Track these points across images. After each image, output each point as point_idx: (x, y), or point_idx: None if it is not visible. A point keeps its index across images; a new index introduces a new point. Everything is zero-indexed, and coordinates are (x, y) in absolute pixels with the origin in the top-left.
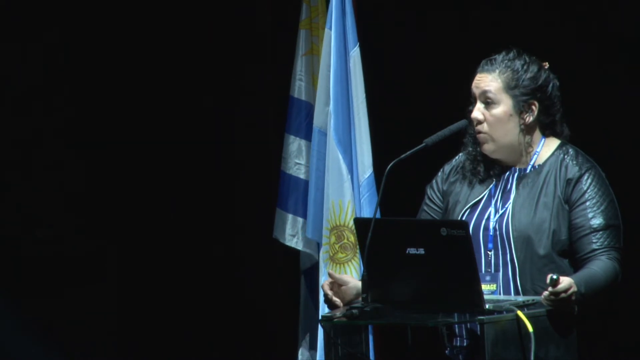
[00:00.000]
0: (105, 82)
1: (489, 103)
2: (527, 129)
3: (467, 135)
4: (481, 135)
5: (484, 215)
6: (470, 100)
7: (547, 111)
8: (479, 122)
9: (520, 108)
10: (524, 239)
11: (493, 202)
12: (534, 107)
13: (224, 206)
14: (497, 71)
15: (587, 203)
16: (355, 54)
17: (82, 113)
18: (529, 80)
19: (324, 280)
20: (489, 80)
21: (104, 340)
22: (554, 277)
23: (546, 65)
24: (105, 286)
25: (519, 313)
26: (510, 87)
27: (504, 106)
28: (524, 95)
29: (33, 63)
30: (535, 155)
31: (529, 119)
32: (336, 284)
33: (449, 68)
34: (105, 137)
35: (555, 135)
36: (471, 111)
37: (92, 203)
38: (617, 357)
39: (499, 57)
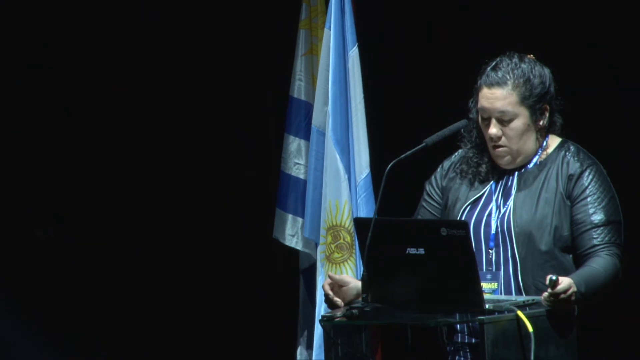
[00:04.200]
0: (105, 82)
1: (506, 120)
2: (541, 132)
3: (465, 140)
4: (501, 150)
5: (485, 212)
6: (469, 105)
7: (554, 109)
8: (498, 138)
9: (537, 116)
10: (525, 235)
11: (494, 199)
12: (546, 112)
13: (224, 206)
14: (510, 85)
15: (588, 199)
16: (354, 54)
17: (83, 113)
18: (540, 86)
19: (321, 280)
20: (503, 97)
21: (104, 340)
22: (553, 278)
23: (533, 57)
24: (106, 286)
25: (519, 313)
26: (525, 98)
27: (522, 118)
28: (537, 102)
29: (35, 63)
30: (539, 153)
31: (544, 122)
32: (336, 285)
33: (448, 68)
34: (106, 136)
35: (553, 126)
36: (475, 121)
37: (93, 203)
38: (617, 356)
39: (504, 65)
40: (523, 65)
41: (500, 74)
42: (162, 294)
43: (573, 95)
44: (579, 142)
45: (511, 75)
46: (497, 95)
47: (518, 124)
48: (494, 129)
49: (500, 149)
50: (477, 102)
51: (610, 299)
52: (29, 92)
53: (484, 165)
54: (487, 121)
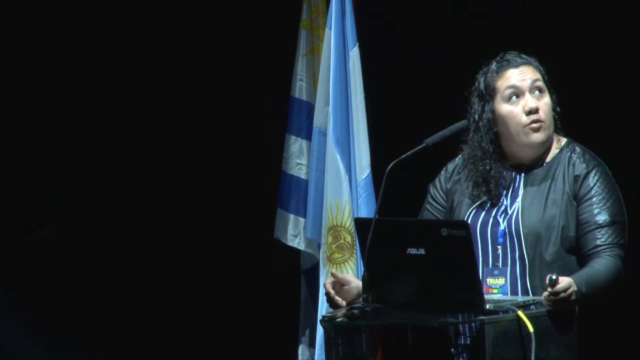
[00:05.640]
0: (105, 82)
1: (539, 92)
2: (554, 122)
3: (469, 142)
4: (538, 124)
5: (492, 213)
6: (473, 108)
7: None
8: (536, 110)
9: (552, 100)
10: (534, 236)
11: (501, 200)
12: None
13: (226, 206)
14: (533, 64)
15: (594, 199)
16: (354, 54)
17: (85, 114)
18: (547, 75)
19: (323, 280)
20: (532, 71)
21: (105, 340)
22: (553, 277)
23: None
24: (106, 286)
25: (520, 313)
26: (545, 78)
27: (548, 96)
28: (550, 87)
29: (34, 63)
30: (546, 153)
31: (554, 112)
32: (338, 284)
33: (448, 68)
34: (107, 137)
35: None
36: (488, 120)
37: (94, 203)
38: (617, 356)
39: (512, 55)
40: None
41: (518, 58)
42: (164, 294)
43: (574, 95)
44: (582, 142)
45: (529, 58)
46: (528, 70)
47: (547, 99)
48: (531, 102)
49: (538, 123)
50: (495, 93)
51: (612, 299)
52: (29, 93)
53: (489, 167)
54: (518, 102)
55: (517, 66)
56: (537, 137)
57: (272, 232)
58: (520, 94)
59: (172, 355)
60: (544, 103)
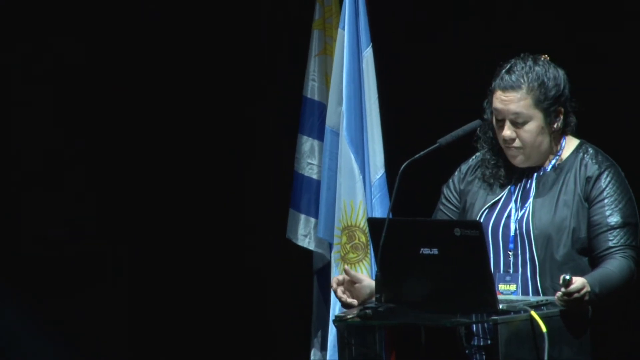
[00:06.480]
0: (108, 83)
1: (520, 122)
2: (555, 134)
3: (481, 141)
4: (513, 151)
5: (504, 214)
6: (483, 106)
7: (568, 110)
8: (512, 140)
9: (551, 119)
10: (544, 237)
11: (512, 201)
12: (560, 114)
13: (237, 206)
14: (524, 88)
15: (606, 201)
16: (368, 54)
17: (91, 112)
18: (554, 89)
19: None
20: (517, 100)
21: (115, 340)
22: (567, 277)
23: (548, 58)
24: (116, 286)
25: (533, 313)
26: (539, 102)
27: (536, 121)
28: (552, 105)
29: (35, 63)
30: (557, 156)
31: (558, 125)
32: (348, 282)
33: (461, 68)
34: (117, 136)
35: (567, 126)
36: (490, 122)
37: (104, 203)
38: (630, 357)
39: (518, 68)
40: (537, 69)
41: (514, 77)
42: (174, 295)
43: (585, 95)
44: (596, 143)
45: (525, 79)
46: (511, 98)
47: (532, 126)
48: (507, 131)
49: (513, 150)
50: (491, 104)
51: (625, 300)
52: (33, 93)
53: (502, 168)
54: (501, 122)
55: (504, 90)
56: (516, 162)
57: (284, 232)
58: (502, 118)
59: (183, 354)
60: (525, 131)
